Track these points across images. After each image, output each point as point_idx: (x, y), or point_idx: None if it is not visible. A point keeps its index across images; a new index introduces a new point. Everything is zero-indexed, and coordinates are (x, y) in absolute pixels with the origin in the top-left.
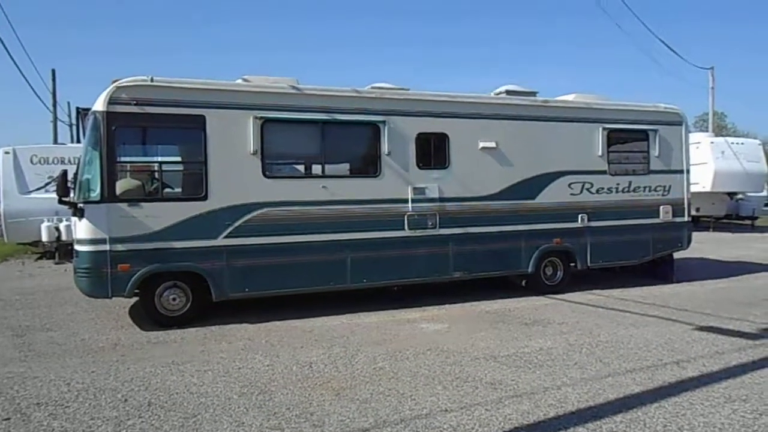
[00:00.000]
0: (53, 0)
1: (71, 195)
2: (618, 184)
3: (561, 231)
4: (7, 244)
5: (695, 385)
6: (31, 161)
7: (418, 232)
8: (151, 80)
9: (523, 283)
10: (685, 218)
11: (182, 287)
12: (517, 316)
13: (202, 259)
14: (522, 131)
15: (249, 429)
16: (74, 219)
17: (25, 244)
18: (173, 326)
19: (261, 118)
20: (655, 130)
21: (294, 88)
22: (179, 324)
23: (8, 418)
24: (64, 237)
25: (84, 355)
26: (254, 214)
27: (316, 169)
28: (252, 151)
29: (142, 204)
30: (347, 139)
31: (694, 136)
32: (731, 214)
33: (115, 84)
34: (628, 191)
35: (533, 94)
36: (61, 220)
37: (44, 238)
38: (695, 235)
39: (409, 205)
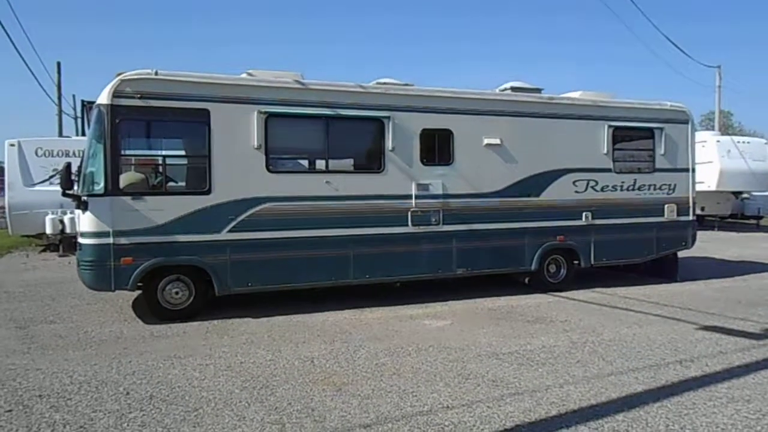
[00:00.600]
0: None
1: (75, 188)
2: (623, 182)
3: (565, 229)
4: (12, 236)
5: (698, 384)
6: (36, 154)
7: (422, 229)
8: (156, 74)
9: (527, 280)
10: (690, 217)
11: (185, 281)
12: (520, 314)
13: (206, 253)
14: (527, 128)
15: (250, 423)
16: (78, 212)
17: (29, 237)
18: (176, 320)
19: (265, 112)
20: (661, 128)
21: (298, 82)
22: (182, 318)
23: (10, 410)
24: (68, 229)
25: (86, 347)
26: (258, 208)
27: (320, 164)
28: (256, 146)
29: (146, 197)
30: (351, 134)
31: (700, 135)
32: (736, 213)
33: (119, 77)
34: (633, 189)
35: (538, 90)
36: (65, 213)
37: (48, 230)
38: (700, 234)
39: (413, 201)
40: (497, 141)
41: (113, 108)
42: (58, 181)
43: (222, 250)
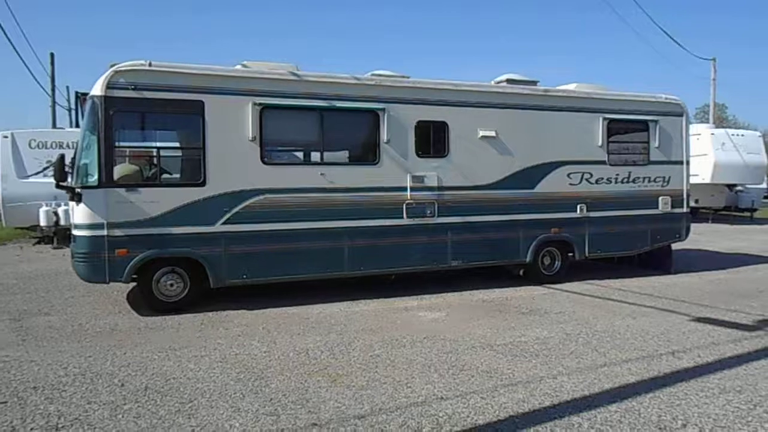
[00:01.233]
0: None
1: (69, 180)
2: (617, 174)
3: (559, 221)
4: (6, 228)
5: (690, 375)
6: (30, 145)
7: (417, 221)
8: (150, 65)
9: (521, 272)
10: (684, 209)
11: (180, 273)
12: (515, 306)
13: (200, 245)
14: (522, 120)
15: (245, 414)
16: (72, 204)
17: (23, 229)
18: (170, 312)
19: (260, 104)
20: (656, 121)
21: (293, 74)
22: (177, 310)
23: (5, 402)
24: (62, 222)
25: (81, 339)
26: (252, 200)
27: (315, 156)
28: (251, 138)
29: (140, 189)
30: (346, 126)
31: (695, 128)
32: (730, 205)
33: (113, 68)
34: (628, 182)
35: (534, 83)
36: (59, 205)
37: (42, 222)
38: (694, 226)
39: (408, 193)
40: (492, 133)
41: (107, 99)
42: (52, 172)
43: (217, 242)
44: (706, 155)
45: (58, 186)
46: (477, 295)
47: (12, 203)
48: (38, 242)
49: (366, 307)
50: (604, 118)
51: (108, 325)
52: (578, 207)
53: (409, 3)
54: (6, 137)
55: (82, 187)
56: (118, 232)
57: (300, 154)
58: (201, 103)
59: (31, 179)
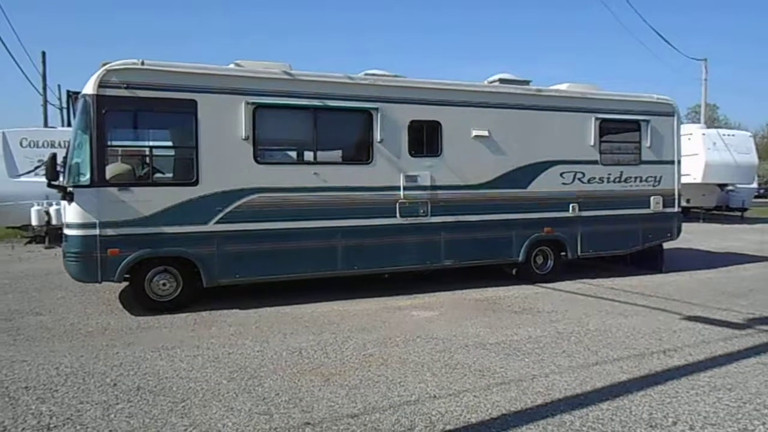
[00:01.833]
0: None
1: (61, 179)
2: (609, 174)
3: (552, 220)
4: None
5: (681, 373)
6: (21, 144)
7: (410, 220)
8: (142, 63)
9: (514, 271)
10: (676, 209)
11: (172, 272)
12: (507, 305)
13: (193, 244)
14: (515, 120)
15: (238, 414)
16: (64, 203)
17: (14, 228)
18: (163, 311)
19: (253, 103)
20: (648, 121)
21: (287, 73)
22: (169, 309)
23: None
24: (54, 221)
25: (73, 339)
26: (245, 199)
27: (308, 155)
28: (244, 137)
29: (133, 188)
30: (340, 125)
31: (686, 128)
32: (721, 205)
33: (105, 67)
34: (620, 181)
35: (527, 82)
36: (51, 204)
37: (34, 222)
38: (685, 226)
39: (401, 192)
40: (485, 133)
41: (99, 98)
42: (44, 172)
43: (209, 242)
44: (698, 155)
45: (49, 185)
46: (470, 294)
47: (3, 202)
48: (30, 242)
49: (359, 306)
50: (596, 118)
51: (100, 324)
52: (570, 206)
53: (406, 1)
54: None
55: (74, 187)
56: (110, 232)
57: (293, 154)
58: (194, 102)
59: (22, 178)
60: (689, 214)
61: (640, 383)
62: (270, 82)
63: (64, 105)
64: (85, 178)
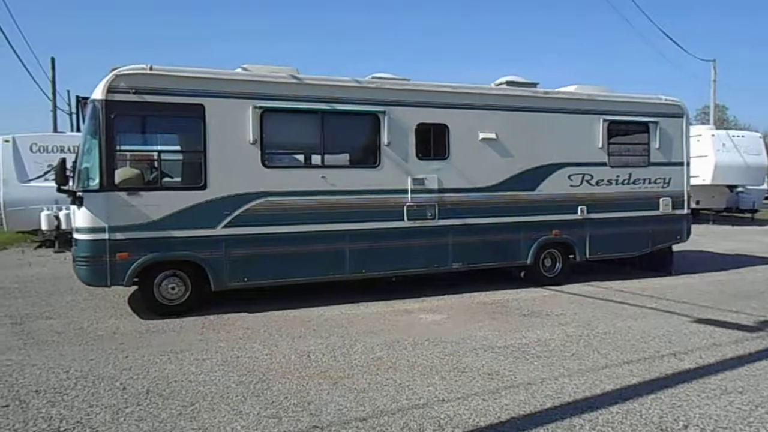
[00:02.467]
0: None
1: (70, 183)
2: (618, 176)
3: (560, 223)
4: (7, 232)
5: (692, 376)
6: (31, 149)
7: (418, 223)
8: (150, 69)
9: (522, 274)
10: (685, 211)
11: (181, 276)
12: (516, 308)
13: (202, 248)
14: (522, 122)
15: (247, 417)
16: (73, 207)
17: (24, 233)
18: (172, 315)
19: (260, 107)
20: (656, 122)
21: (294, 77)
22: (178, 313)
23: (7, 405)
24: (63, 226)
25: (83, 343)
26: (253, 203)
27: (316, 159)
28: (251, 141)
29: (141, 193)
30: (347, 129)
31: (695, 129)
32: (731, 207)
33: (114, 72)
34: (628, 183)
35: (534, 85)
36: (60, 209)
37: (44, 226)
38: (695, 227)
39: (409, 195)
40: (493, 135)
41: (108, 103)
42: (53, 176)
43: (218, 246)
44: (707, 156)
45: (59, 190)
46: (478, 297)
47: (13, 207)
48: (39, 246)
49: (367, 309)
50: (605, 120)
51: (109, 328)
52: (579, 209)
53: (411, 3)
54: (7, 141)
55: (84, 191)
56: (119, 236)
57: (301, 157)
58: (202, 107)
59: (32, 183)
60: (699, 216)
61: (651, 386)
62: (277, 86)
63: (74, 110)
64: (95, 182)
